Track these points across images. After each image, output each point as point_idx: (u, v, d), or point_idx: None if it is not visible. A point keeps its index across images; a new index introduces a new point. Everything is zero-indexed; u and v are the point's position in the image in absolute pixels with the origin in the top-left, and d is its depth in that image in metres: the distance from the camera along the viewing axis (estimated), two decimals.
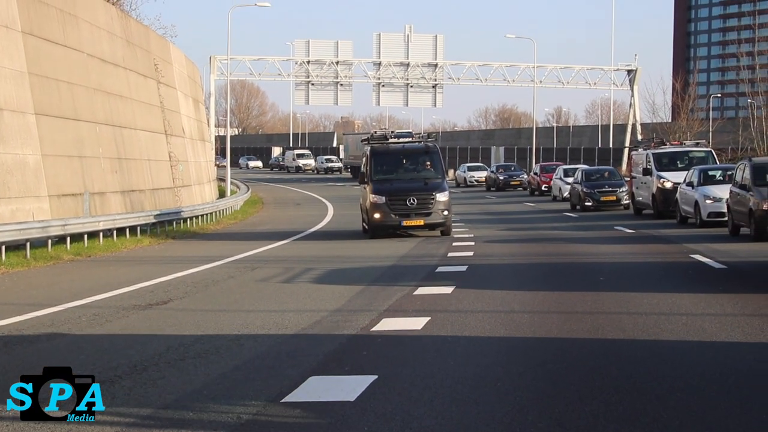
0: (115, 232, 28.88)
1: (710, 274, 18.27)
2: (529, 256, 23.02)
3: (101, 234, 27.85)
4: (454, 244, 26.36)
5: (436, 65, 75.66)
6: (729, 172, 31.94)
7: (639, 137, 72.41)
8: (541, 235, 29.36)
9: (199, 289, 17.44)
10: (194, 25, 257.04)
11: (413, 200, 28.84)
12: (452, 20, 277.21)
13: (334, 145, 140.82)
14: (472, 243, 26.55)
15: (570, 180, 47.39)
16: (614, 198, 42.24)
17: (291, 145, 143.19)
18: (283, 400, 8.61)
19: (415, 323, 12.55)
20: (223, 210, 42.95)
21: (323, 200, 57.37)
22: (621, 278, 17.78)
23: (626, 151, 75.18)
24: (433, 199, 29.00)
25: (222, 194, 56.78)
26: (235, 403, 8.54)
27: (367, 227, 30.16)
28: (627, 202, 40.80)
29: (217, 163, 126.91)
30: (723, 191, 29.00)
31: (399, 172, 30.05)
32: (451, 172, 74.92)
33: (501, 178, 68.50)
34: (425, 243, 27.17)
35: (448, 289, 16.12)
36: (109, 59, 35.03)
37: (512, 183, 67.78)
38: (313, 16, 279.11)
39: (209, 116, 70.06)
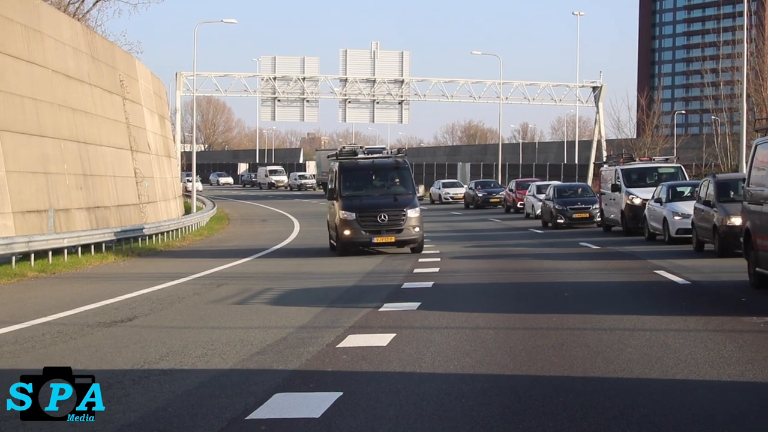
0: (80, 248, 28.75)
1: (674, 290, 18.38)
2: (494, 272, 23.09)
3: (66, 251, 27.70)
4: (420, 260, 26.38)
5: (402, 81, 75.85)
6: (698, 189, 32.12)
7: (604, 153, 72.83)
8: (506, 252, 29.44)
9: (165, 306, 17.39)
10: (160, 41, 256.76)
11: (384, 216, 28.38)
12: (418, 37, 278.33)
13: (301, 161, 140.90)
14: (438, 259, 26.59)
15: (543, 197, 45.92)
16: (587, 215, 41.28)
17: (258, 162, 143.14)
18: (247, 417, 8.61)
19: (381, 340, 12.56)
20: (188, 226, 42.81)
21: (290, 216, 57.31)
22: (585, 294, 17.86)
23: (591, 166, 75.54)
24: (404, 215, 28.53)
25: (188, 210, 56.62)
26: (199, 421, 8.53)
27: (335, 244, 29.55)
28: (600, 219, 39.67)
29: (189, 179, 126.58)
30: (692, 208, 28.68)
31: (368, 188, 29.48)
32: (421, 188, 73.12)
33: (480, 195, 65.63)
34: (391, 259, 27.18)
35: (413, 305, 16.16)
36: (74, 75, 34.90)
37: (492, 200, 64.52)
38: (279, 33, 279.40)
39: (175, 132, 69.81)
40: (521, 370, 10.51)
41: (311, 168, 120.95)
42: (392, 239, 28.52)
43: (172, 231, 38.87)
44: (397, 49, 77.21)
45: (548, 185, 47.86)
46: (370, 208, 28.57)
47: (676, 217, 29.57)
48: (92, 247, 29.53)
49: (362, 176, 29.75)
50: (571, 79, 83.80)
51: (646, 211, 32.49)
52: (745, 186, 18.76)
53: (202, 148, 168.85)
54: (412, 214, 28.66)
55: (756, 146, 18.25)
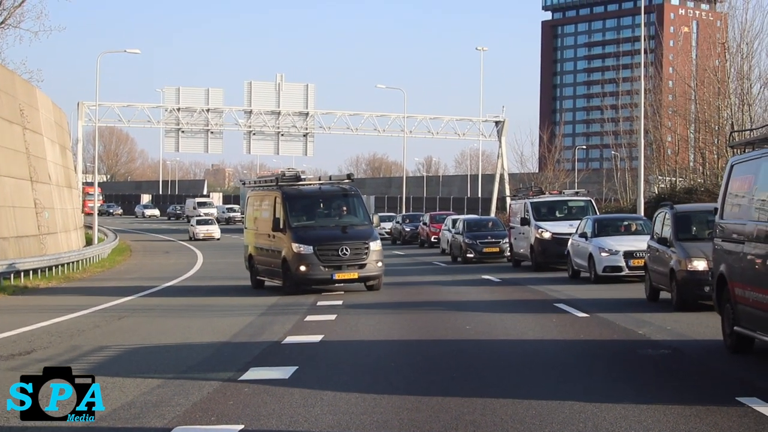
0: None
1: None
2: (396, 304, 23.17)
3: None
4: (324, 292, 26.26)
5: (307, 114, 75.95)
6: (626, 222, 30.20)
7: (507, 187, 73.60)
8: (412, 283, 29.59)
9: (64, 339, 17.16)
10: (62, 70, 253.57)
11: (346, 250, 25.35)
12: (324, 70, 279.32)
13: (205, 192, 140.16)
14: (342, 292, 26.43)
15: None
16: (497, 249, 40.59)
17: (161, 193, 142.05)
18: None
19: (283, 372, 12.57)
20: (89, 258, 42.31)
21: (192, 248, 56.93)
22: (489, 328, 18.03)
23: (494, 200, 76.29)
24: (367, 248, 25.63)
25: (89, 242, 55.92)
26: None
27: (285, 281, 26.07)
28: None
29: (112, 211, 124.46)
30: (620, 243, 27.31)
31: (319, 217, 26.63)
32: (376, 218, 66.74)
33: (407, 229, 60.81)
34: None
35: (317, 338, 16.22)
36: None
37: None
38: (183, 64, 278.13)
39: (77, 163, 68.92)
40: (420, 403, 10.60)
41: (215, 199, 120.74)
42: (355, 275, 25.60)
43: (73, 263, 38.36)
44: (302, 82, 77.42)
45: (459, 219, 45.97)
46: (329, 239, 25.58)
47: (603, 254, 27.32)
48: None
49: (310, 205, 26.82)
50: (474, 113, 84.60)
51: (569, 247, 30.30)
52: (717, 219, 14.66)
53: (105, 179, 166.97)
54: (375, 246, 25.87)
55: (732, 166, 14.41)
